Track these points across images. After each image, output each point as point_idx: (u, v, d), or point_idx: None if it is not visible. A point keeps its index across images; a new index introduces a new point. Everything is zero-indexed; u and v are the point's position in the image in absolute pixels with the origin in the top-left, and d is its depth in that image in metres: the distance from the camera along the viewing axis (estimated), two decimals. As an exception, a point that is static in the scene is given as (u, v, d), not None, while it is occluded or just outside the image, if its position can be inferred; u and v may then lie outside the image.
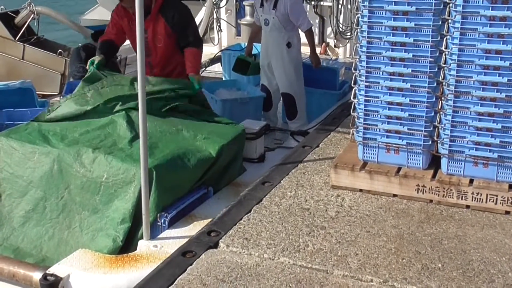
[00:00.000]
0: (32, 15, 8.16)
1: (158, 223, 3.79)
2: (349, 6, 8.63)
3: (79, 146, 4.10)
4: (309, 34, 6.69)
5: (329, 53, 9.03)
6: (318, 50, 8.91)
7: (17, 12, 8.27)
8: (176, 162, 4.01)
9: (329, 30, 8.99)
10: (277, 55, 6.79)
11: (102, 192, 3.93)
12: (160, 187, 3.81)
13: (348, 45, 8.86)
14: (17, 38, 8.02)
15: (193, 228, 3.73)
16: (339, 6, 8.65)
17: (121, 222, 3.81)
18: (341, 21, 8.72)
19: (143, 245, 3.61)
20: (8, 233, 4.10)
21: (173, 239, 3.64)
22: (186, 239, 3.49)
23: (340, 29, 8.73)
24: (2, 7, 8.45)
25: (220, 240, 3.36)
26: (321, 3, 8.88)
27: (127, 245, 3.77)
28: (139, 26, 3.42)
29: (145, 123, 3.53)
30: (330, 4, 8.78)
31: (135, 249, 3.63)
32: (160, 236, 3.71)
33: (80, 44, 7.12)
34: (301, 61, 6.92)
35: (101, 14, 10.56)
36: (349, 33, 8.70)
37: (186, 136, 4.38)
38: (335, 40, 8.99)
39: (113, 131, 4.34)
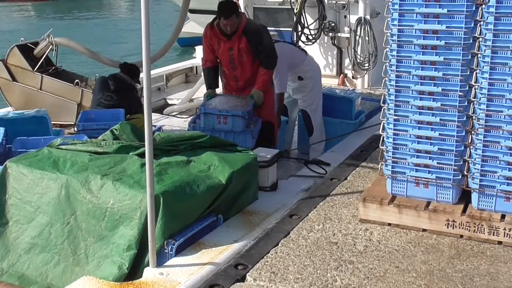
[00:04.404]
0: (51, 46, 8.24)
1: (165, 251, 3.71)
2: (366, 38, 8.67)
3: (88, 172, 4.07)
4: (279, 96, 6.64)
5: (347, 84, 9.05)
6: (336, 81, 9.02)
7: (36, 44, 8.36)
8: (184, 189, 3.95)
9: (346, 61, 9.04)
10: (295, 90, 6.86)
11: (107, 218, 3.88)
12: (168, 213, 3.76)
13: (366, 76, 8.88)
14: (35, 69, 8.08)
15: (201, 256, 3.66)
16: (357, 37, 8.71)
17: (127, 249, 3.75)
18: (358, 52, 8.77)
19: (149, 272, 3.53)
20: (14, 260, 4.06)
21: (180, 267, 3.56)
22: (194, 267, 3.45)
23: (358, 60, 8.78)
24: (22, 38, 8.54)
25: (247, 274, 3.33)
26: (339, 34, 8.95)
27: (133, 272, 3.71)
28: (145, 35, 3.31)
29: (151, 141, 3.45)
30: (348, 35, 8.85)
31: (141, 277, 3.57)
32: (167, 263, 3.63)
33: (109, 75, 7.10)
34: (319, 89, 6.91)
35: (192, 27, 10.65)
36: (366, 64, 8.74)
37: (196, 165, 4.33)
38: (352, 71, 9.03)
39: (123, 158, 4.31)
